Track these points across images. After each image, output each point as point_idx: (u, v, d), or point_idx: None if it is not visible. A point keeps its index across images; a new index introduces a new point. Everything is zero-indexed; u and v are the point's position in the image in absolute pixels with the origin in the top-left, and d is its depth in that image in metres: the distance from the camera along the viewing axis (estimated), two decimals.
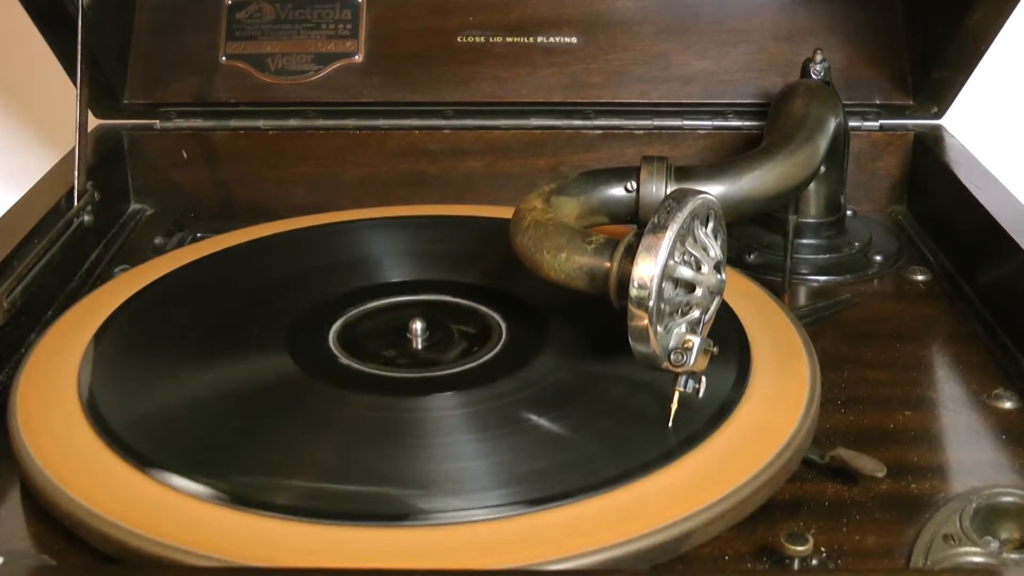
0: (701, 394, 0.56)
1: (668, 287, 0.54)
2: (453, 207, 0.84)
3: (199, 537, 0.49)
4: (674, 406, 0.55)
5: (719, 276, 0.56)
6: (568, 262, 0.57)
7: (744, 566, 0.51)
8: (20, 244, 0.69)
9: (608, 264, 0.56)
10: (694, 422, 0.56)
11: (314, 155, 0.89)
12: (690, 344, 0.55)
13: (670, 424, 0.55)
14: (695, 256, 0.55)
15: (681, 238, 0.54)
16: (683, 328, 0.55)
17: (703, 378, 0.56)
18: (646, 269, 0.53)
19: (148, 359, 0.63)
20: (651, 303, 0.53)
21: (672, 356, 0.55)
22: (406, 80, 0.89)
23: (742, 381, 0.59)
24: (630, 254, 0.54)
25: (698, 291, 0.55)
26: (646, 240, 0.53)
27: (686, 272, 0.54)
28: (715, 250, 0.56)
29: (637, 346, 0.54)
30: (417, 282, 0.73)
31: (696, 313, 0.56)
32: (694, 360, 0.55)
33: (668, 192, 0.64)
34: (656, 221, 0.54)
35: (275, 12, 0.90)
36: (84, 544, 0.51)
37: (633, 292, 0.53)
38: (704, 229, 0.56)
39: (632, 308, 0.53)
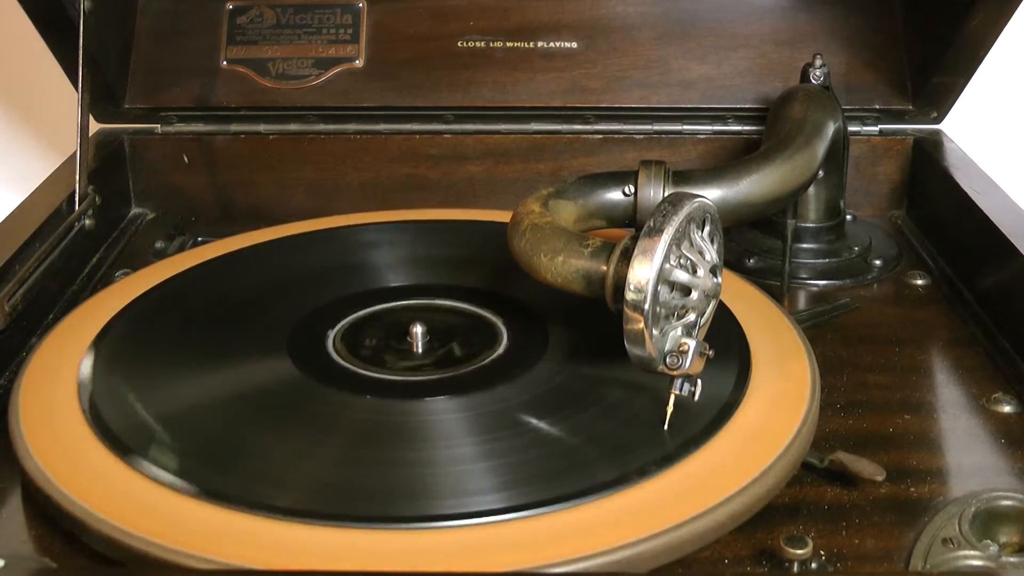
0: (697, 397, 0.56)
1: (664, 290, 0.54)
2: (453, 211, 0.84)
3: (200, 540, 0.49)
4: (670, 409, 0.56)
5: (715, 280, 0.56)
6: (565, 265, 0.57)
7: (743, 570, 0.51)
8: (21, 248, 0.70)
9: (604, 267, 0.56)
10: (694, 426, 0.56)
11: (315, 159, 0.89)
12: (686, 347, 0.55)
13: (665, 427, 0.55)
14: (691, 260, 0.55)
15: (677, 242, 0.54)
16: (679, 331, 0.55)
17: (699, 381, 0.56)
18: (642, 272, 0.53)
19: (149, 363, 0.63)
20: (647, 306, 0.53)
21: (668, 359, 0.55)
22: (406, 85, 0.89)
23: (742, 385, 0.60)
24: (626, 257, 0.55)
25: (694, 295, 0.55)
26: (642, 244, 0.53)
27: (682, 276, 0.55)
28: (711, 254, 0.57)
29: (633, 349, 0.54)
30: (418, 286, 0.73)
31: (692, 316, 0.56)
32: (690, 363, 0.55)
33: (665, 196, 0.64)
34: (652, 225, 0.54)
35: (276, 17, 0.90)
36: (85, 547, 0.51)
37: (629, 295, 0.53)
38: (700, 233, 0.56)
39: (628, 311, 0.53)
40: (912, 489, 0.56)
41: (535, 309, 0.68)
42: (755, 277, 0.75)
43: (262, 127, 0.89)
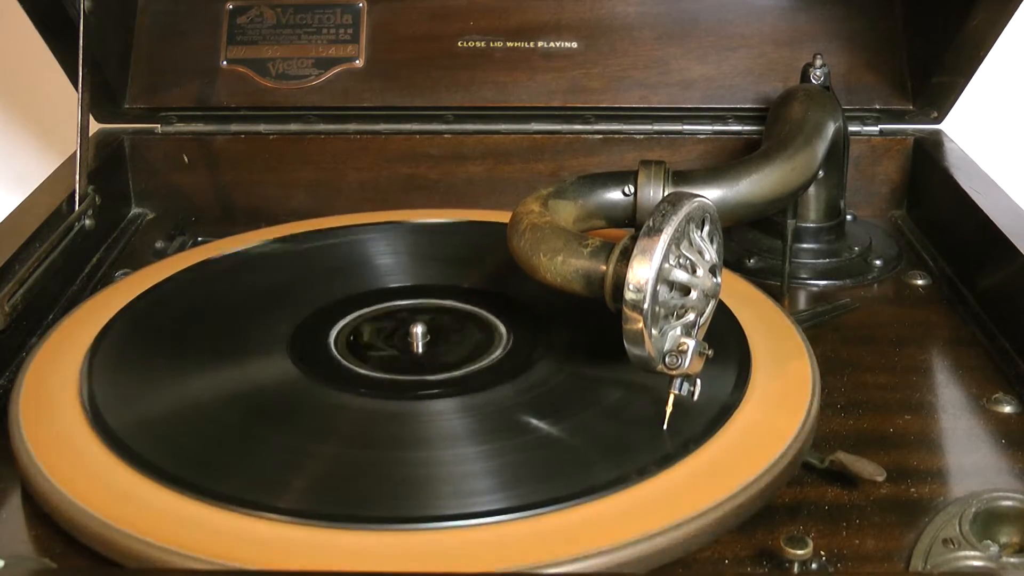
0: (696, 397, 0.56)
1: (663, 290, 0.54)
2: (453, 211, 0.84)
3: (200, 540, 0.49)
4: (669, 408, 0.56)
5: (714, 279, 0.56)
6: (564, 265, 0.57)
7: (744, 570, 0.51)
8: (21, 248, 0.70)
9: (604, 267, 0.56)
10: (694, 425, 0.56)
11: (314, 159, 0.89)
12: (685, 347, 0.55)
13: (664, 426, 0.56)
14: (690, 259, 0.55)
15: (676, 241, 0.54)
16: (678, 331, 0.55)
17: (698, 381, 0.56)
18: (641, 272, 0.53)
19: (149, 363, 0.63)
20: (646, 306, 0.53)
21: (667, 359, 0.55)
22: (406, 85, 0.89)
23: (742, 385, 0.60)
24: (625, 257, 0.55)
25: (693, 294, 0.55)
26: (641, 243, 0.53)
27: (681, 275, 0.55)
28: (710, 253, 0.57)
29: (632, 349, 0.54)
30: (418, 286, 0.73)
31: (691, 316, 0.56)
32: (689, 363, 0.55)
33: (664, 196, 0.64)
34: (651, 224, 0.54)
35: (276, 17, 0.90)
36: (85, 547, 0.51)
37: (628, 295, 0.53)
38: (699, 232, 0.56)
39: (627, 311, 0.53)
40: (912, 489, 0.56)
41: (535, 309, 0.68)
42: (755, 277, 0.75)
43: (262, 127, 0.89)
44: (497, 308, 0.69)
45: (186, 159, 0.89)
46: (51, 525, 0.53)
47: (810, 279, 0.78)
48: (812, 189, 0.78)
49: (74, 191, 0.77)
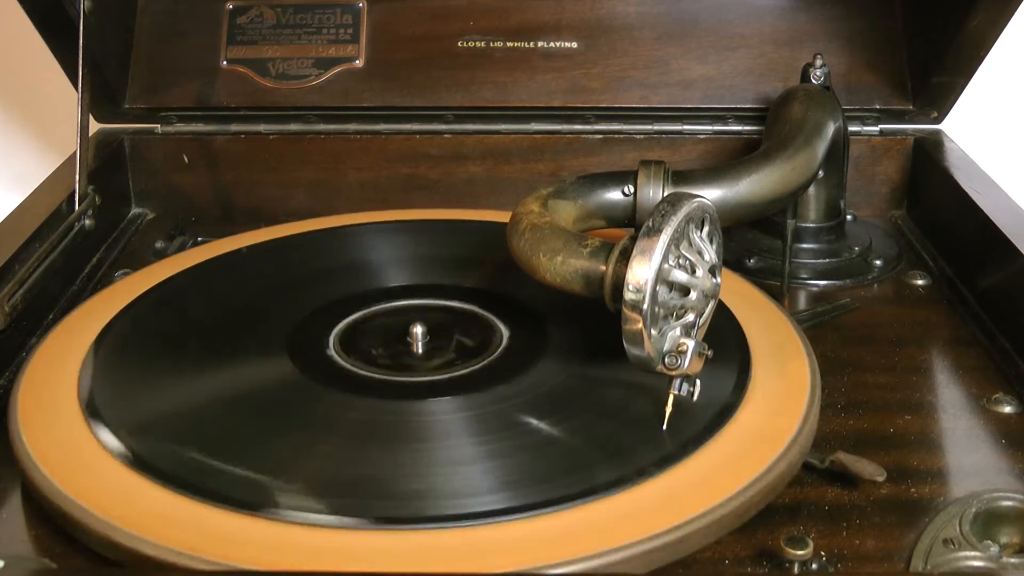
0: (695, 397, 0.56)
1: (663, 290, 0.54)
2: (453, 211, 0.84)
3: (199, 540, 0.49)
4: (669, 409, 0.56)
5: (714, 280, 0.56)
6: (564, 265, 0.57)
7: (744, 570, 0.51)
8: (21, 248, 0.70)
9: (603, 267, 0.56)
10: (694, 426, 0.56)
11: (314, 159, 0.89)
12: (684, 347, 0.55)
13: (664, 427, 0.56)
14: (690, 260, 0.55)
15: (676, 242, 0.54)
16: (677, 331, 0.55)
17: (697, 381, 0.56)
18: (641, 272, 0.53)
19: (149, 363, 0.64)
20: (645, 306, 0.53)
21: (666, 359, 0.55)
22: (406, 85, 0.89)
23: (742, 385, 0.60)
24: (625, 257, 0.55)
25: (692, 295, 0.55)
26: (640, 244, 0.53)
27: (680, 276, 0.55)
28: (710, 254, 0.57)
29: (631, 349, 0.54)
30: (418, 286, 0.73)
31: (691, 316, 0.56)
32: (688, 363, 0.55)
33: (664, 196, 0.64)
34: (651, 225, 0.54)
35: (276, 17, 0.90)
36: (85, 547, 0.51)
37: (628, 295, 0.53)
38: (699, 233, 0.56)
39: (626, 311, 0.53)
40: (912, 489, 0.56)
41: (535, 309, 0.68)
42: (755, 277, 0.75)
43: (262, 127, 0.89)
44: (497, 308, 0.69)
45: (186, 159, 0.89)
46: (51, 525, 0.53)
47: (810, 279, 0.78)
48: (812, 189, 0.78)
49: (74, 191, 0.77)
